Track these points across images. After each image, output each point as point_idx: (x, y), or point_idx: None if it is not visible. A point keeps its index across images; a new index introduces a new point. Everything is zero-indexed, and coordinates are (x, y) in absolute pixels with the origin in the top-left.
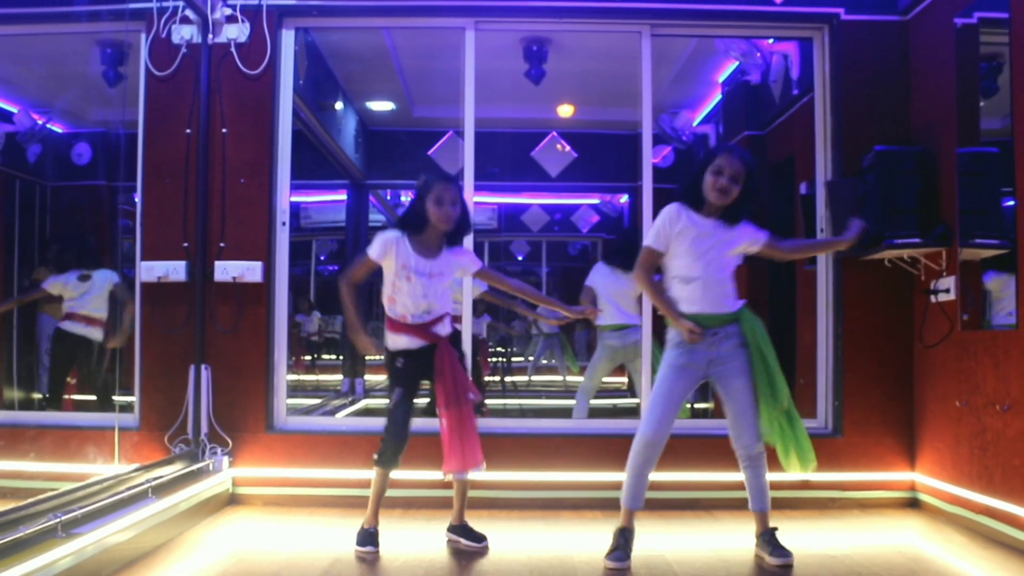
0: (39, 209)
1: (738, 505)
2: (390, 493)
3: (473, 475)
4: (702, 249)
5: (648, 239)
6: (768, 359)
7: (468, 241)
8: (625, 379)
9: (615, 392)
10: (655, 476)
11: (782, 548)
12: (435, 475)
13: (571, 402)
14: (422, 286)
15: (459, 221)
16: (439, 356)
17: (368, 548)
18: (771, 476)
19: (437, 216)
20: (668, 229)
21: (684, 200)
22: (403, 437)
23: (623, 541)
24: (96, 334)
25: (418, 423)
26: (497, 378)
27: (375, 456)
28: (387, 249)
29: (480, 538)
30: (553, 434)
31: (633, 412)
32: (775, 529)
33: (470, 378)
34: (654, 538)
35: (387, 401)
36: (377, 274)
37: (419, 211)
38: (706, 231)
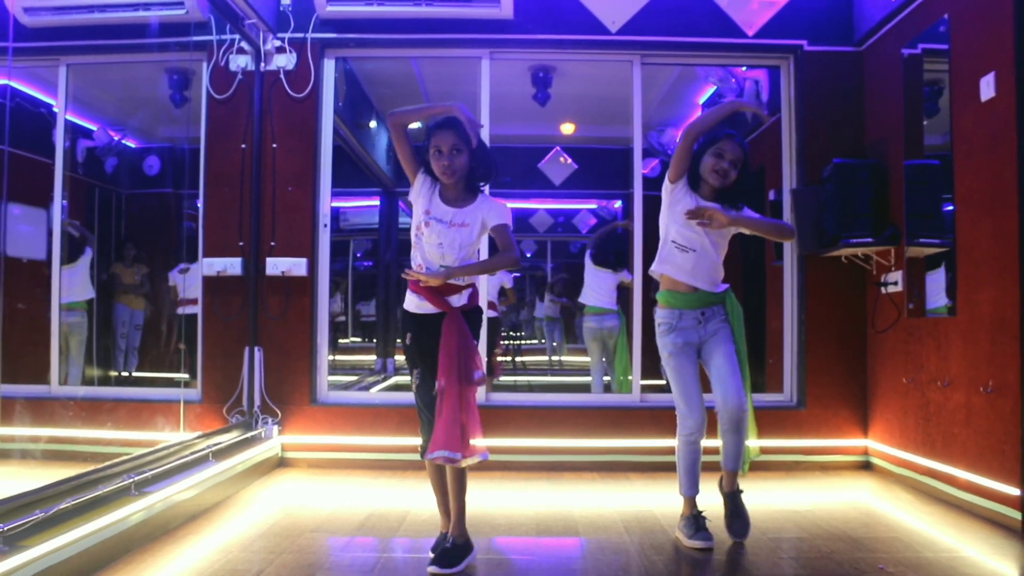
0: (115, 214)
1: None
2: (412, 457)
3: (458, 459)
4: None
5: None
6: (741, 346)
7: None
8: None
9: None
10: (639, 443)
11: (743, 516)
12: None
13: (571, 379)
14: (437, 234)
15: (468, 169)
16: (446, 324)
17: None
18: None
19: (437, 169)
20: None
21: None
22: (429, 420)
23: (702, 522)
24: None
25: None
26: (508, 358)
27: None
28: (421, 185)
29: (452, 562)
30: (557, 406)
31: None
32: (741, 492)
33: (482, 356)
34: (643, 496)
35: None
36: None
37: (428, 162)
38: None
